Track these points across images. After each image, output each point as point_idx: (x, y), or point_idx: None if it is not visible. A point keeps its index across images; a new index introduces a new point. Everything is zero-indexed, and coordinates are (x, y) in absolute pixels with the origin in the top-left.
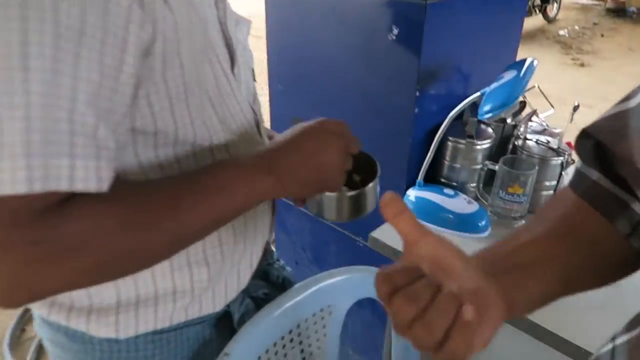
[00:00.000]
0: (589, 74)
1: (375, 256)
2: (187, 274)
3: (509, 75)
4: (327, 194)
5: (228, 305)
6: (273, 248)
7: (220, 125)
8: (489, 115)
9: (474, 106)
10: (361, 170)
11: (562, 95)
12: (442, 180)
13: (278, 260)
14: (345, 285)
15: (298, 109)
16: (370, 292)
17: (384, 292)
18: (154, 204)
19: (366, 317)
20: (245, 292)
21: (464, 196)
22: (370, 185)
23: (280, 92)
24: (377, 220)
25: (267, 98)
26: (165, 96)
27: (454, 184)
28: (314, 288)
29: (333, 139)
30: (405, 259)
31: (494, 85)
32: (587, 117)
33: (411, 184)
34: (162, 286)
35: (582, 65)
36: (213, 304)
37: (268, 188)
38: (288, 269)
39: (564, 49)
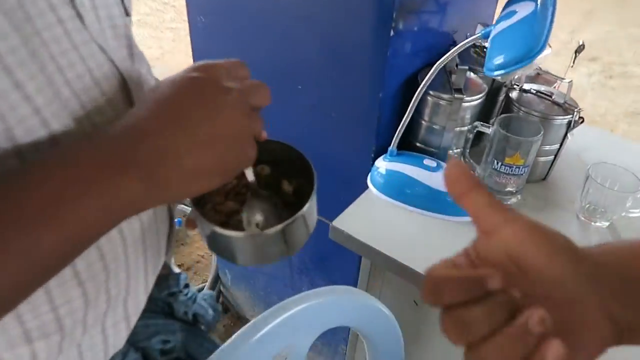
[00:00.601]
0: None
1: None
2: None
3: (525, 9)
4: (236, 234)
5: None
6: (175, 268)
7: (43, 101)
8: (501, 72)
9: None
10: (292, 175)
11: None
12: (418, 144)
13: (187, 286)
14: (306, 318)
15: (227, 51)
16: (341, 319)
17: (431, 304)
18: None
19: None
20: (132, 344)
21: None
22: (305, 208)
23: (202, 28)
24: (340, 198)
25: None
26: None
27: (433, 149)
28: (262, 332)
29: (225, 89)
30: (474, 253)
31: (503, 23)
32: None
33: (381, 151)
34: None
35: None
36: None
37: (136, 195)
38: (204, 295)
39: None
